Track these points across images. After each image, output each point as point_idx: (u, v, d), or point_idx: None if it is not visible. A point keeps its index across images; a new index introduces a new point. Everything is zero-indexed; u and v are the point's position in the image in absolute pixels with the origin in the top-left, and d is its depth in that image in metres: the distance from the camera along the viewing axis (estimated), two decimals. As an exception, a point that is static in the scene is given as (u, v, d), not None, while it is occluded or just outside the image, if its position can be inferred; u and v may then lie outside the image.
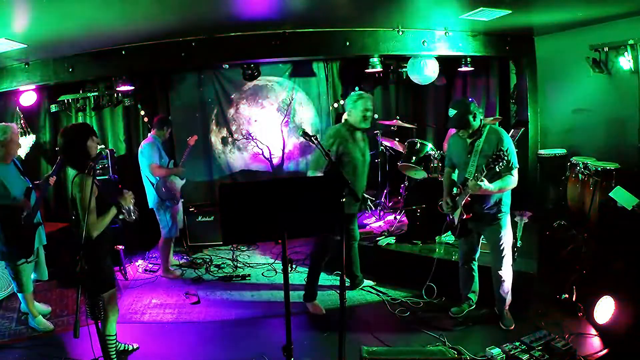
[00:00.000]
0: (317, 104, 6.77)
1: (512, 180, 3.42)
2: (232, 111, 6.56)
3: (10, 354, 3.67)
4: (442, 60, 5.93)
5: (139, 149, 4.93)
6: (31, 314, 3.99)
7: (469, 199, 3.50)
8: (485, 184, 3.30)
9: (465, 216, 3.57)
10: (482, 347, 3.39)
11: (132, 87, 5.59)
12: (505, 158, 3.22)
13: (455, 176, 3.84)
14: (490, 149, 3.37)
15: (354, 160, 3.97)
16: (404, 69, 6.49)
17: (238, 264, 5.44)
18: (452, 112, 3.53)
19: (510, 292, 3.73)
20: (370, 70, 6.03)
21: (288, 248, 2.57)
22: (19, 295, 3.92)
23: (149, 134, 5.04)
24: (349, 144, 3.94)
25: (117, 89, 5.53)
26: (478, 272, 3.92)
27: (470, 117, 3.45)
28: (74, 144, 2.93)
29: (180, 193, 5.13)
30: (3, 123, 3.77)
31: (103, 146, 3.28)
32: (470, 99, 3.54)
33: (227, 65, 6.00)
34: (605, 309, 3.57)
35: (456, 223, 3.68)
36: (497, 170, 3.27)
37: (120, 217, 3.10)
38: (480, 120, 3.52)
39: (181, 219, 5.32)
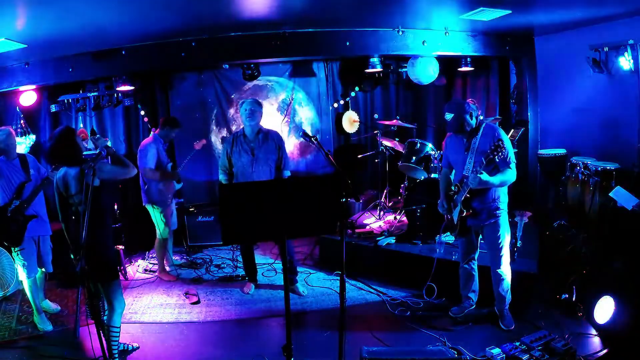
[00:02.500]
0: (317, 104, 6.77)
1: (512, 174, 3.44)
2: (232, 111, 6.56)
3: (10, 354, 3.67)
4: (442, 60, 5.93)
5: (139, 148, 4.88)
6: (35, 310, 4.01)
7: (467, 195, 3.51)
8: (485, 175, 3.32)
9: (465, 213, 3.58)
10: (482, 347, 3.39)
11: (132, 87, 5.59)
12: (504, 148, 3.25)
13: (452, 177, 3.85)
14: (487, 146, 3.38)
15: (241, 165, 4.31)
16: (404, 69, 6.50)
17: (238, 264, 5.44)
18: (448, 115, 3.56)
19: (509, 291, 3.74)
20: (370, 70, 6.04)
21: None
22: (28, 281, 3.95)
23: (152, 133, 4.98)
24: (233, 149, 4.34)
25: (117, 89, 5.53)
26: (478, 272, 3.92)
27: (467, 117, 3.49)
28: (69, 146, 3.09)
29: (172, 195, 5.05)
30: (1, 127, 4.05)
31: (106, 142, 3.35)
32: (469, 100, 3.56)
33: (227, 65, 6.00)
34: (605, 309, 3.57)
35: (455, 222, 3.68)
36: (497, 160, 3.29)
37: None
38: (476, 118, 3.55)
39: (175, 220, 5.21)
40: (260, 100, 4.46)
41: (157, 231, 4.98)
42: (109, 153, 3.24)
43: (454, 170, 3.82)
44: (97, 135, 3.33)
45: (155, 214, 4.90)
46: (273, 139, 4.37)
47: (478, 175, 3.31)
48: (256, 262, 4.84)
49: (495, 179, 3.38)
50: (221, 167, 4.45)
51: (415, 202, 4.97)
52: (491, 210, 3.58)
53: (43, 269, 4.14)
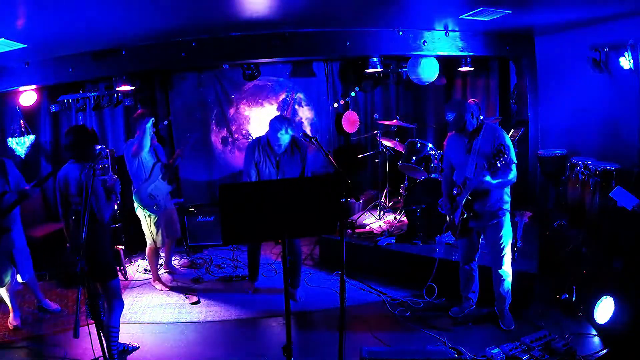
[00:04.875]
0: (317, 104, 6.77)
1: (512, 175, 3.45)
2: (232, 111, 6.56)
3: (10, 354, 3.68)
4: (442, 60, 5.93)
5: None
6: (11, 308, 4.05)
7: (469, 197, 3.51)
8: (486, 178, 3.33)
9: (466, 215, 3.58)
10: (482, 347, 3.39)
11: (132, 87, 5.58)
12: (506, 152, 3.25)
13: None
14: (489, 147, 3.38)
15: (263, 174, 4.19)
16: (404, 69, 6.50)
17: (238, 264, 5.44)
18: (450, 115, 3.56)
19: (510, 292, 3.73)
20: (370, 70, 6.04)
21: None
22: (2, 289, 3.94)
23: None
24: (259, 158, 4.18)
25: (117, 89, 5.52)
26: (478, 272, 3.92)
27: (469, 116, 3.48)
28: (86, 142, 3.18)
29: (168, 198, 4.84)
30: None
31: (103, 146, 3.27)
32: (470, 100, 3.56)
33: (227, 65, 6.01)
34: (605, 309, 3.57)
35: (457, 223, 3.68)
36: (499, 165, 3.29)
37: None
38: (477, 119, 3.55)
39: (177, 227, 5.02)
40: (288, 117, 4.24)
41: (148, 240, 4.79)
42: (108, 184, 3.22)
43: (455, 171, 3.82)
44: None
45: (146, 221, 4.68)
46: (299, 151, 4.22)
47: (480, 178, 3.34)
48: (260, 263, 4.82)
49: (495, 182, 3.40)
50: (246, 174, 4.21)
51: (415, 202, 4.97)
52: (494, 211, 3.57)
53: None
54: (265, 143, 4.18)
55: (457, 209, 3.64)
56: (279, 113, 6.63)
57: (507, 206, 3.61)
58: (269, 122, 4.12)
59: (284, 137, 4.03)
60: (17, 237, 3.94)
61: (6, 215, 3.74)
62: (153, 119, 4.47)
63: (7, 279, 3.90)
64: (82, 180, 3.05)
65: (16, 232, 3.92)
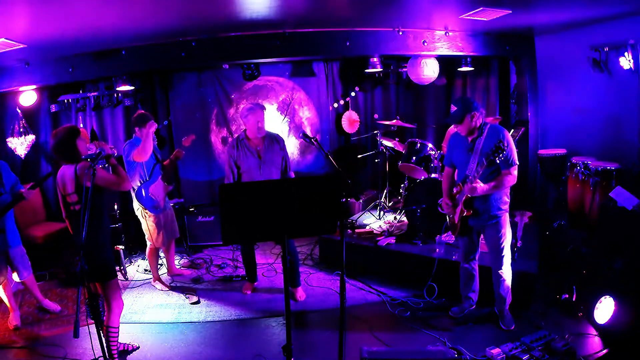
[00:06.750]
0: (317, 104, 6.77)
1: (511, 178, 3.44)
2: (232, 111, 6.56)
3: (10, 354, 3.68)
4: (442, 60, 5.93)
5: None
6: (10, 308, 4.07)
7: (468, 195, 3.51)
8: (479, 185, 3.35)
9: (465, 213, 3.58)
10: (482, 347, 3.39)
11: (132, 87, 5.58)
12: (505, 149, 3.25)
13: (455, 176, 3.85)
14: (490, 146, 3.38)
15: (247, 167, 4.23)
16: (404, 69, 6.50)
17: (238, 264, 5.44)
18: (453, 108, 3.57)
19: (510, 292, 3.74)
20: (370, 70, 6.04)
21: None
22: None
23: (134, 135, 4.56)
24: (239, 153, 4.24)
25: (117, 89, 5.52)
26: (478, 272, 3.92)
27: (469, 116, 3.47)
28: (66, 141, 3.10)
29: (167, 199, 4.78)
30: None
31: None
32: (472, 100, 3.56)
33: (227, 65, 6.01)
34: (605, 309, 3.56)
35: (457, 221, 3.68)
36: (497, 162, 3.30)
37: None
38: (478, 119, 3.54)
39: (175, 228, 4.95)
40: (263, 103, 4.34)
41: (148, 241, 4.77)
42: (110, 163, 3.21)
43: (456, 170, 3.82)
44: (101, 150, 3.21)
45: (146, 222, 4.64)
46: (277, 142, 4.34)
47: (473, 185, 3.35)
48: (256, 262, 4.82)
49: (489, 186, 3.41)
50: (227, 176, 4.29)
51: (415, 202, 4.97)
52: (493, 210, 3.57)
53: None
54: (244, 137, 4.27)
55: (456, 206, 3.65)
56: (278, 113, 6.64)
57: (506, 206, 3.61)
58: (239, 115, 4.20)
59: (258, 114, 4.11)
60: (11, 237, 3.96)
61: (1, 216, 3.75)
62: (157, 125, 4.46)
63: (3, 279, 3.91)
64: (78, 174, 3.04)
65: (11, 232, 3.95)
